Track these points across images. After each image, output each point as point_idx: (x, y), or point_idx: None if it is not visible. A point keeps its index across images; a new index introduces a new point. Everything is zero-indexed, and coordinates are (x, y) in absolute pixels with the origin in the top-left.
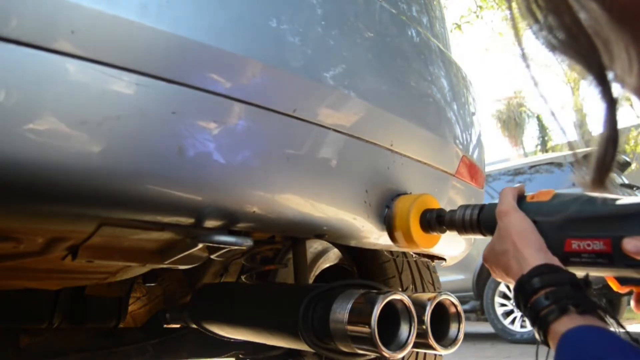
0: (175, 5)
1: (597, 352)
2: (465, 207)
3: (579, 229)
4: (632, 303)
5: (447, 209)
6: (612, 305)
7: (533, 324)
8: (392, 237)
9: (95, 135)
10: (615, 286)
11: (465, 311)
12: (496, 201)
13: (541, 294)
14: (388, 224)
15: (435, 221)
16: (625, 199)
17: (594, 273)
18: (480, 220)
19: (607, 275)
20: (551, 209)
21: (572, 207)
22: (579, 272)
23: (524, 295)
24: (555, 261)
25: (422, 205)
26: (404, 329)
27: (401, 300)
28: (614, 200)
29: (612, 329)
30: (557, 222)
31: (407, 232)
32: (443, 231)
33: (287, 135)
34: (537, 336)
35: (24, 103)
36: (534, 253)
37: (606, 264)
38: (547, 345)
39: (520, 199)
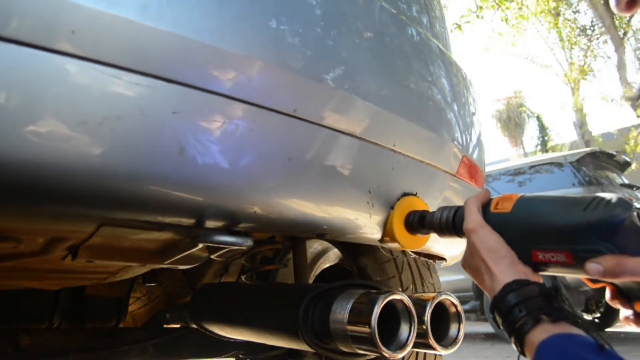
0: (175, 5)
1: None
2: (443, 208)
3: (541, 242)
4: (607, 296)
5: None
6: (608, 306)
7: (510, 336)
8: (380, 238)
9: (96, 135)
10: (587, 283)
11: (465, 311)
12: None
13: (515, 309)
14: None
15: (418, 223)
16: (584, 200)
17: (566, 276)
18: (455, 222)
19: (577, 277)
20: (513, 220)
21: (532, 219)
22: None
23: (499, 312)
24: (527, 272)
25: (408, 207)
26: (404, 329)
27: (401, 300)
28: (571, 205)
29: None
30: (521, 234)
31: (391, 232)
32: (426, 233)
33: (288, 135)
34: (514, 348)
35: (24, 103)
36: (504, 269)
37: (572, 271)
38: (525, 355)
39: (485, 208)
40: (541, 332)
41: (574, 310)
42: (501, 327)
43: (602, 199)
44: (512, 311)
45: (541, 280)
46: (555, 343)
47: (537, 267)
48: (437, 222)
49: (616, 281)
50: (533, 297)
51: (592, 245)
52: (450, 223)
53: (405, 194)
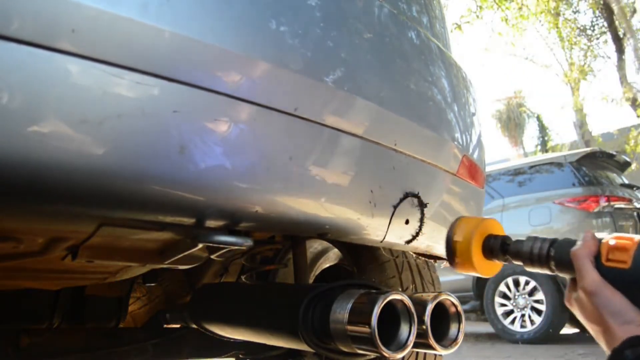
0: (175, 4)
1: None
2: (534, 239)
3: None
4: None
5: (448, 208)
6: None
7: None
8: (452, 262)
9: (96, 134)
10: None
11: (465, 311)
12: (496, 202)
13: None
14: (448, 247)
15: (499, 249)
16: None
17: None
18: (552, 257)
19: None
20: (635, 279)
21: None
22: None
23: None
24: None
25: (486, 230)
26: (404, 329)
27: (401, 300)
28: None
29: None
30: None
31: (469, 259)
32: (506, 260)
33: (289, 135)
34: None
35: (24, 102)
36: (625, 328)
37: None
38: None
39: (596, 258)
40: None
41: None
42: None
43: None
44: None
45: None
46: None
47: None
48: (527, 254)
49: None
50: None
51: None
52: (544, 257)
53: (410, 194)
